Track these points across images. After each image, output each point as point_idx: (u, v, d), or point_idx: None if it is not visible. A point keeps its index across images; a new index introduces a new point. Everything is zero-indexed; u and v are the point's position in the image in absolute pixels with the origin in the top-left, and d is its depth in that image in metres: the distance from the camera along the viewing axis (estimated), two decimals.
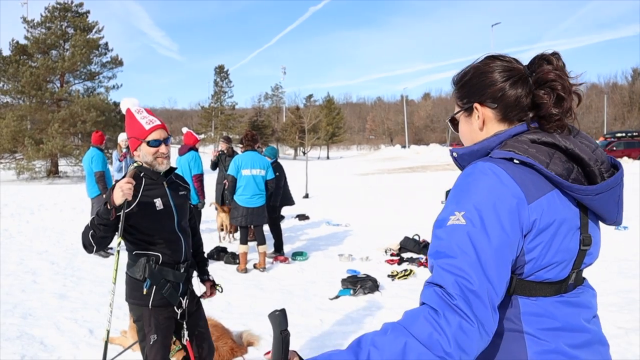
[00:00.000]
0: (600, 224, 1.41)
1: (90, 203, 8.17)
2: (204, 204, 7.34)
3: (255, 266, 7.07)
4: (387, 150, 60.26)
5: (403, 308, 5.43)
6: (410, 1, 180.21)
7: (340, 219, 11.58)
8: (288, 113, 65.24)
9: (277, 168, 8.05)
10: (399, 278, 6.58)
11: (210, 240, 8.70)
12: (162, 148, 2.82)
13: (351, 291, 5.85)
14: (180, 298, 2.90)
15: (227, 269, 7.15)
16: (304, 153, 63.23)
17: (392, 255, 7.95)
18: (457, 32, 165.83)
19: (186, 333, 2.98)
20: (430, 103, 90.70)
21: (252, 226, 7.10)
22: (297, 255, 7.75)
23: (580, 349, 1.26)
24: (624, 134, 32.15)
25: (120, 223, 2.60)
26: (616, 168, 1.33)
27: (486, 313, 1.11)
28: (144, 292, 2.75)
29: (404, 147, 62.08)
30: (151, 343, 2.82)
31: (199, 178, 7.24)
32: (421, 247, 8.08)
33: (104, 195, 2.73)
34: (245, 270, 6.89)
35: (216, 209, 9.00)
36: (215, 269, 7.10)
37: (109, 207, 2.54)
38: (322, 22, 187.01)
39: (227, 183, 6.92)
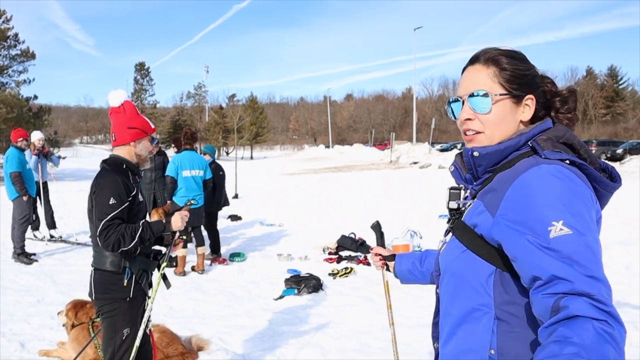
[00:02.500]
0: None
1: (12, 206, 7.59)
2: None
3: (193, 268, 6.88)
4: (311, 151, 60.70)
5: (348, 305, 5.50)
6: (334, 2, 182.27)
7: (273, 219, 11.52)
8: (211, 112, 64.04)
9: (219, 167, 7.88)
10: (340, 276, 6.65)
11: None
12: (155, 148, 3.17)
13: (295, 291, 5.84)
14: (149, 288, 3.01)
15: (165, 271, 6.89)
16: (227, 153, 62.34)
17: (330, 254, 8.02)
18: (380, 35, 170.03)
19: (150, 323, 3.03)
20: (353, 104, 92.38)
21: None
22: (235, 256, 7.62)
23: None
24: None
25: (168, 250, 2.97)
26: (606, 169, 1.37)
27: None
28: (125, 284, 2.79)
29: (327, 147, 62.82)
30: (124, 338, 2.84)
31: None
32: (358, 245, 8.21)
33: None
34: (184, 273, 6.68)
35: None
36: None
37: (164, 229, 2.83)
38: (246, 21, 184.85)
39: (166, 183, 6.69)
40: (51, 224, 8.87)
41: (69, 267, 7.04)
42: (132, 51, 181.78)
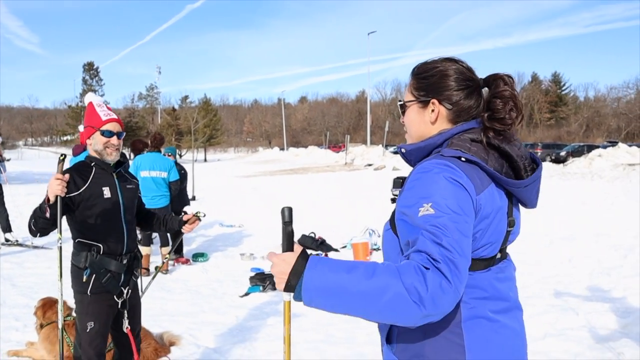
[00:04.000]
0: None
1: None
2: None
3: (156, 268, 6.90)
4: (265, 153, 60.63)
5: None
6: (288, 4, 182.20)
7: (232, 220, 11.58)
8: (164, 114, 62.96)
9: (181, 167, 7.93)
10: None
11: None
12: (114, 140, 2.97)
13: (260, 288, 5.99)
14: (122, 288, 3.01)
15: None
16: (181, 155, 61.32)
17: None
18: (334, 38, 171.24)
19: (126, 322, 3.09)
20: (307, 106, 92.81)
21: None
22: (198, 256, 7.70)
23: (501, 314, 1.47)
24: None
25: (59, 219, 2.66)
26: (536, 163, 1.56)
27: (460, 279, 1.27)
28: (84, 280, 2.86)
29: (282, 149, 62.88)
30: (87, 330, 2.91)
31: None
32: (318, 244, 8.43)
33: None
34: (147, 273, 6.71)
35: None
36: None
37: (45, 203, 2.63)
38: (199, 21, 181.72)
39: None
40: (6, 227, 8.67)
41: (27, 270, 6.94)
42: (80, 50, 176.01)
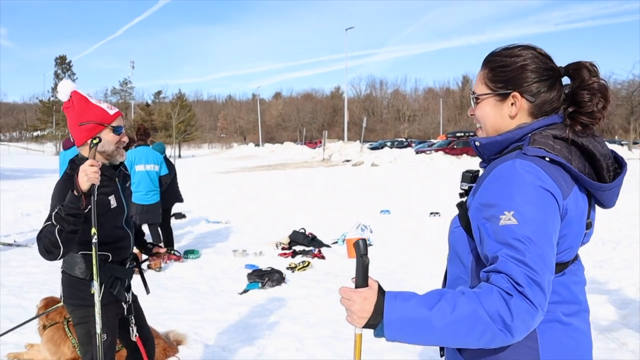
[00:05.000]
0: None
1: None
2: None
3: (149, 266, 6.78)
4: (240, 149, 60.22)
5: (313, 297, 5.67)
6: (263, 0, 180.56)
7: (218, 217, 11.46)
8: (137, 110, 61.89)
9: (170, 163, 7.79)
10: (298, 270, 6.80)
11: None
12: (125, 137, 2.66)
13: (259, 284, 5.93)
14: (126, 293, 2.76)
15: None
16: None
17: (283, 249, 8.15)
18: (309, 34, 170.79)
19: (135, 329, 2.82)
20: (282, 102, 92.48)
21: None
22: (190, 253, 7.57)
23: (572, 316, 1.44)
24: (462, 134, 36.12)
25: (93, 211, 2.36)
26: (619, 163, 1.47)
27: (544, 299, 1.25)
28: (91, 292, 2.51)
29: (257, 145, 62.55)
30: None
31: None
32: (309, 240, 8.39)
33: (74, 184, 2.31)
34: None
35: None
36: None
37: (76, 194, 2.27)
38: (173, 16, 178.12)
39: None
40: None
41: (14, 269, 6.72)
42: (50, 43, 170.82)
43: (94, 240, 2.41)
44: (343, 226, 9.65)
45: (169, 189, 7.52)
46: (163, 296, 5.63)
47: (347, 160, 31.53)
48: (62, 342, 3.92)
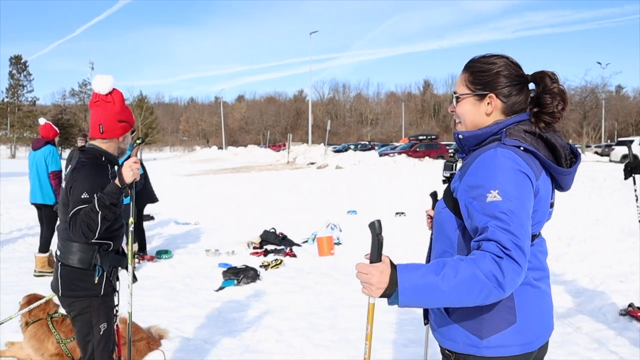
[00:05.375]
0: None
1: None
2: None
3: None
4: (203, 152, 59.71)
5: (287, 292, 5.86)
6: (226, 2, 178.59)
7: (187, 218, 11.48)
8: None
9: (141, 165, 7.82)
10: (271, 267, 6.97)
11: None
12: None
13: (235, 281, 6.08)
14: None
15: None
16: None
17: (255, 248, 8.30)
18: (272, 37, 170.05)
19: (118, 318, 2.98)
20: (245, 105, 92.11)
21: None
22: (162, 253, 7.64)
23: (539, 281, 1.72)
24: (424, 137, 36.93)
25: (132, 202, 2.75)
26: (574, 153, 1.75)
27: (526, 261, 1.50)
28: (95, 281, 2.69)
29: (220, 148, 62.16)
30: (101, 333, 2.77)
31: (57, 175, 6.64)
32: (280, 239, 8.56)
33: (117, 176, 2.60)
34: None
35: None
36: None
37: (120, 186, 2.55)
38: (133, 16, 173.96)
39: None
40: None
41: None
42: (4, 42, 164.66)
43: (130, 229, 2.73)
44: (311, 227, 9.87)
45: (142, 190, 7.57)
46: (139, 295, 5.69)
47: (312, 163, 31.79)
48: (45, 338, 3.98)
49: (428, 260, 1.93)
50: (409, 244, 8.43)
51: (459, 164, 1.95)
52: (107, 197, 2.52)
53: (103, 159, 2.79)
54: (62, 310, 4.25)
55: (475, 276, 1.45)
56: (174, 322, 4.82)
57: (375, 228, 1.55)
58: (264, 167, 32.61)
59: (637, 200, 3.87)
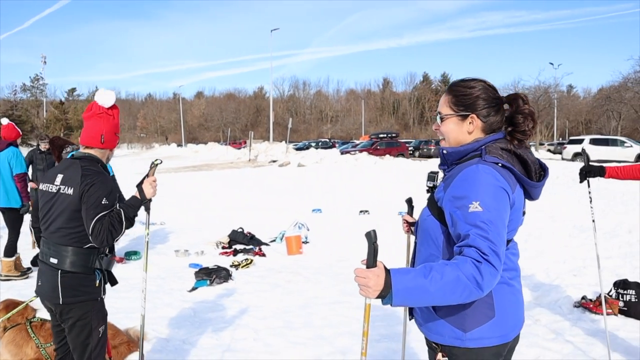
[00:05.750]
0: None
1: None
2: (28, 207, 6.67)
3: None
4: (162, 149, 58.75)
5: (260, 291, 5.99)
6: None
7: (152, 218, 11.38)
8: (50, 108, 58.66)
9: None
10: (242, 267, 7.08)
11: (27, 248, 7.88)
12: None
13: (208, 281, 6.16)
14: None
15: None
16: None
17: (223, 247, 8.37)
18: (231, 33, 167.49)
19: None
20: (204, 102, 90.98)
21: None
22: (131, 254, 7.63)
23: (513, 280, 1.94)
24: (385, 135, 37.56)
25: (147, 216, 3.13)
26: (542, 168, 1.97)
27: (501, 264, 1.70)
28: (97, 285, 2.83)
29: (180, 145, 61.32)
30: (100, 335, 2.90)
31: (22, 178, 6.53)
32: (248, 239, 8.67)
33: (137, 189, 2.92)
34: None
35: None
36: None
37: (140, 200, 2.89)
38: (88, 9, 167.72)
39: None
40: None
41: None
42: None
43: (146, 239, 3.10)
44: (277, 225, 10.01)
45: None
46: (112, 297, 5.68)
47: (274, 161, 31.83)
48: (24, 343, 3.99)
49: (413, 263, 2.12)
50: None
51: (440, 175, 2.15)
52: (131, 209, 2.83)
53: (99, 165, 2.94)
54: (40, 315, 4.27)
55: (459, 278, 1.65)
56: (152, 323, 4.87)
57: (371, 237, 1.73)
58: (226, 165, 32.44)
59: (590, 201, 4.18)
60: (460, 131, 1.96)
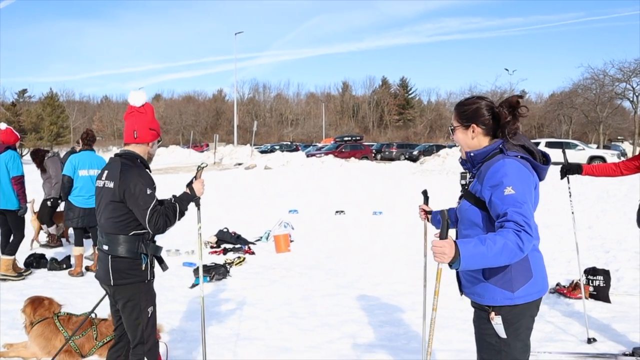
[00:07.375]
0: None
1: None
2: (25, 209, 6.74)
3: (88, 268, 6.94)
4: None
5: (259, 286, 6.30)
6: None
7: None
8: (1, 109, 56.65)
9: None
10: (235, 265, 7.36)
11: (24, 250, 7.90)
12: None
13: (207, 278, 6.43)
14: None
15: (57, 275, 6.84)
16: (22, 155, 55.65)
17: (212, 247, 8.62)
18: (191, 35, 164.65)
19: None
20: (163, 104, 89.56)
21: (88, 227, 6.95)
22: None
23: (538, 246, 2.41)
24: (350, 138, 38.26)
25: (198, 212, 3.46)
26: (544, 155, 2.46)
27: (534, 233, 2.18)
28: (143, 268, 3.09)
29: None
30: (149, 315, 3.17)
31: (19, 180, 6.60)
32: (235, 238, 8.93)
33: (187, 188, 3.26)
34: (81, 274, 6.73)
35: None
36: (41, 277, 6.74)
37: (192, 197, 3.25)
38: (39, 7, 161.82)
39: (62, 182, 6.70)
40: None
41: None
42: None
43: (199, 232, 3.49)
44: (257, 226, 10.32)
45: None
46: None
47: (239, 164, 31.92)
48: (53, 336, 4.18)
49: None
50: (357, 239, 9.11)
51: (468, 175, 2.62)
52: (184, 204, 3.18)
53: (138, 161, 3.21)
54: (65, 309, 4.47)
55: (506, 244, 2.11)
56: (163, 317, 5.10)
57: (445, 215, 2.22)
58: (192, 168, 32.26)
59: (570, 195, 4.73)
60: (466, 138, 2.50)
